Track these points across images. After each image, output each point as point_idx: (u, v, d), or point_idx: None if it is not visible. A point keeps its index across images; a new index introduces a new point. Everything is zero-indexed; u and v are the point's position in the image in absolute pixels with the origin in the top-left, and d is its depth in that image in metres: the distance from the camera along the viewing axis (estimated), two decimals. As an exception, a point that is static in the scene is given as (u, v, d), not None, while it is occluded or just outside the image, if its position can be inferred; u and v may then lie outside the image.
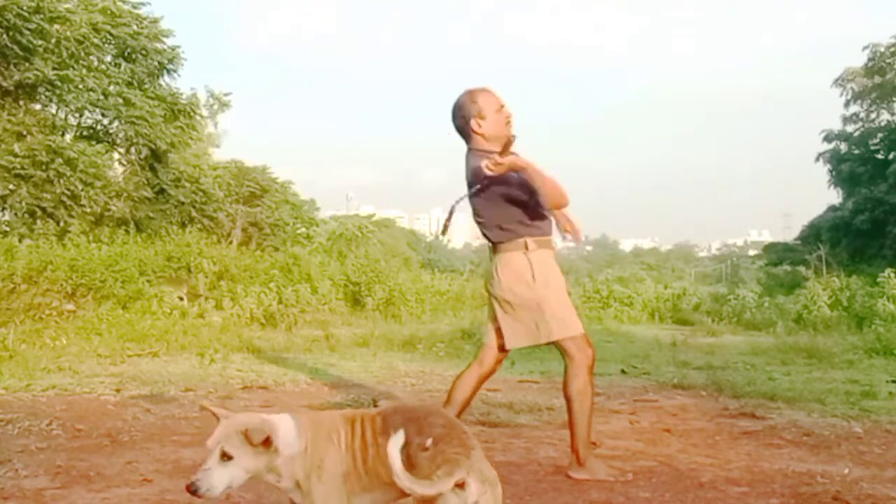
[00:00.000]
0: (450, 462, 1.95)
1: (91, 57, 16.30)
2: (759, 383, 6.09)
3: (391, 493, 2.09)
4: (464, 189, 3.70)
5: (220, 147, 29.90)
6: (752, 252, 62.28)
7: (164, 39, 17.56)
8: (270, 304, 10.82)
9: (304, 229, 25.13)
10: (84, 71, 15.82)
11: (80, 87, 15.48)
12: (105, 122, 16.81)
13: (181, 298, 11.00)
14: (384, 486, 2.08)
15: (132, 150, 16.82)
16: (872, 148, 29.79)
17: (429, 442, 1.99)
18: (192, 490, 2.04)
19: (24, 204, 14.21)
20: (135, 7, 17.11)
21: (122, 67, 16.95)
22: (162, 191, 17.14)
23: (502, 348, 3.60)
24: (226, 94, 25.87)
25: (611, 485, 3.31)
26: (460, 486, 1.94)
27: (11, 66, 14.47)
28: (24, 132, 14.87)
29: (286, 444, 2.09)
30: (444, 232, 3.83)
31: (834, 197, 30.58)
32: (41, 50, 14.63)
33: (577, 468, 3.43)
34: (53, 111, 16.15)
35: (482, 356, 3.64)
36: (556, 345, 3.50)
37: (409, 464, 1.97)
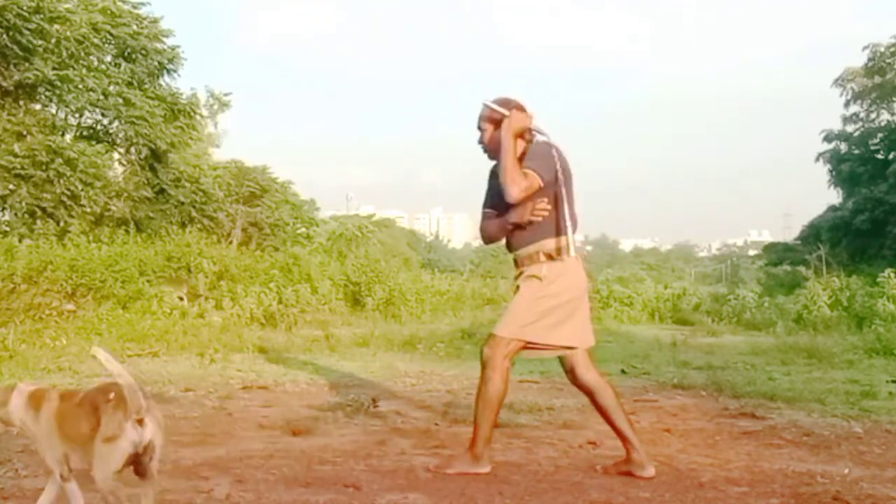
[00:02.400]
0: (128, 401, 2.34)
1: (91, 57, 16.33)
2: (759, 383, 6.10)
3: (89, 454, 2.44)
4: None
5: (220, 147, 30.02)
6: (752, 252, 62.38)
7: (164, 39, 17.61)
8: (270, 304, 10.83)
9: (304, 229, 25.18)
10: (84, 71, 15.84)
11: (80, 87, 15.49)
12: (105, 122, 16.84)
13: (181, 298, 11.00)
14: (80, 448, 2.47)
15: (132, 150, 16.85)
16: (872, 148, 29.79)
17: (111, 395, 2.38)
18: None
19: (24, 204, 14.22)
20: (135, 7, 17.14)
21: (122, 67, 16.98)
22: (162, 191, 17.15)
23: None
24: (226, 94, 25.98)
25: (611, 485, 3.31)
26: (139, 422, 2.33)
27: (11, 66, 14.48)
28: (24, 132, 14.88)
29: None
30: None
31: (834, 197, 30.66)
32: (41, 50, 14.65)
33: (641, 467, 3.40)
34: (53, 111, 16.17)
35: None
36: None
37: (99, 419, 2.37)
